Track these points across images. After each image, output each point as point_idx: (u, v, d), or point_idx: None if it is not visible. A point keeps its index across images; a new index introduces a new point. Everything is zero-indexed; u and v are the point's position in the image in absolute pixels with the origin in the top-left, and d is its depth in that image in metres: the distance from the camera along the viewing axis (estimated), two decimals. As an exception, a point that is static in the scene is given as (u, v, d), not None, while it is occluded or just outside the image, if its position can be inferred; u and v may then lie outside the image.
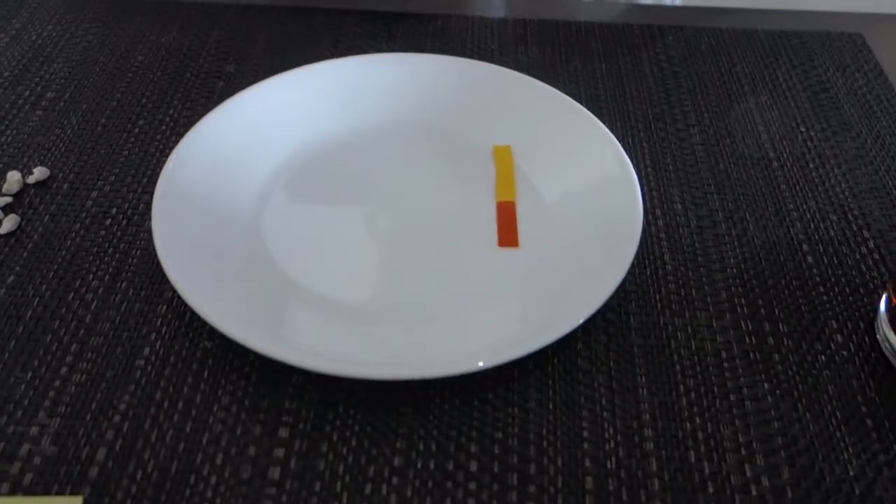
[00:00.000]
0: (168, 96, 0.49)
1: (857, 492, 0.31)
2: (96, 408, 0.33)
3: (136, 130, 0.47)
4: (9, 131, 0.46)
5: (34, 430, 0.32)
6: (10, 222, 0.40)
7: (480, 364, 0.33)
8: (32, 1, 0.57)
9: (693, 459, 0.32)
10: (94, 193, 0.43)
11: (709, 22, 0.58)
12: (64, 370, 0.35)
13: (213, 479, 0.31)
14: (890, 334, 0.36)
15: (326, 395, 0.34)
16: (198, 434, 0.33)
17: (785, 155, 0.47)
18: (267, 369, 0.35)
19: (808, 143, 0.48)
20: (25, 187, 0.43)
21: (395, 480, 0.31)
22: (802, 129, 0.49)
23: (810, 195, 0.44)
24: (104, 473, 0.31)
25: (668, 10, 0.60)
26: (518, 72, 0.48)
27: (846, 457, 0.33)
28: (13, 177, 0.42)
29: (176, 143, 0.45)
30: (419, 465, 0.32)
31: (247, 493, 0.31)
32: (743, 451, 0.33)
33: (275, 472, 0.31)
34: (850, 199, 0.44)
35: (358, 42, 0.54)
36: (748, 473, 0.32)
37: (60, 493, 0.30)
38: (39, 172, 0.43)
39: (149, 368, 0.35)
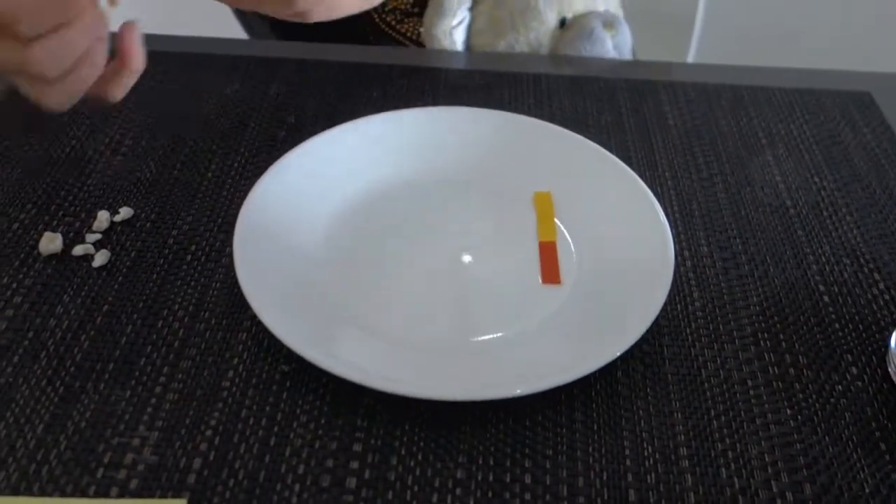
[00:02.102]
0: (235, 143, 0.54)
1: (872, 507, 0.35)
2: (189, 423, 0.37)
3: (209, 175, 0.51)
4: (94, 174, 0.51)
5: (136, 441, 0.36)
6: (102, 257, 0.45)
7: (518, 391, 0.37)
8: (106, 55, 0.62)
9: (724, 476, 0.36)
10: (175, 232, 0.47)
11: (728, 79, 0.62)
12: (158, 389, 0.39)
13: (297, 487, 0.35)
14: (900, 367, 0.40)
15: (395, 415, 0.38)
16: (281, 447, 0.36)
17: (801, 203, 0.51)
18: (340, 391, 0.39)
19: (822, 192, 0.52)
20: (113, 225, 0.47)
21: (458, 491, 0.35)
22: (816, 179, 0.53)
23: (825, 240, 0.48)
24: (201, 480, 0.35)
25: (690, 68, 0.64)
26: (554, 124, 0.53)
27: (863, 476, 0.36)
28: (102, 215, 0.47)
29: (245, 187, 0.50)
30: (479, 478, 0.36)
31: (327, 499, 0.35)
32: (769, 470, 0.36)
33: (351, 482, 0.35)
34: (861, 245, 0.48)
35: (405, 94, 0.59)
36: (774, 489, 0.36)
37: (164, 497, 0.34)
38: (125, 212, 0.48)
39: (234, 389, 0.39)
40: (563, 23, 0.66)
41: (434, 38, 0.66)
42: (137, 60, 0.40)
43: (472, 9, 0.67)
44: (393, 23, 0.72)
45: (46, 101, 0.38)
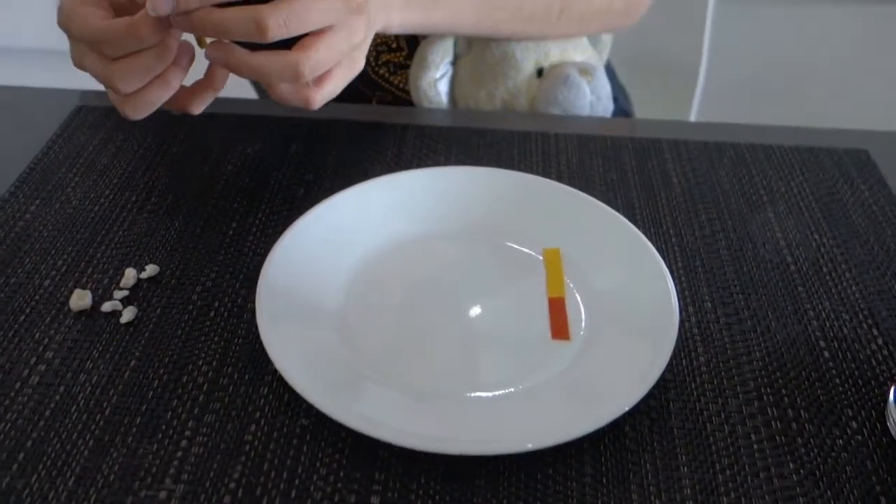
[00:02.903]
0: (256, 201, 0.56)
1: (874, 560, 0.36)
2: (214, 476, 0.39)
3: (231, 232, 0.53)
4: (121, 231, 0.53)
5: (163, 494, 0.38)
6: (129, 313, 0.47)
7: (529, 446, 0.39)
8: (132, 115, 0.65)
9: (730, 529, 0.37)
10: (199, 288, 0.49)
11: (730, 137, 0.65)
12: (184, 443, 0.40)
13: (318, 540, 0.36)
14: (899, 422, 0.41)
15: (411, 468, 0.39)
16: (301, 500, 0.38)
17: (801, 260, 0.53)
18: (358, 445, 0.40)
19: (822, 249, 0.54)
20: (140, 282, 0.49)
21: (472, 543, 0.36)
22: (816, 236, 0.55)
23: (825, 296, 0.50)
24: (225, 533, 0.36)
25: (693, 126, 0.67)
26: (561, 183, 0.55)
27: (863, 529, 0.37)
28: (130, 273, 0.49)
29: (266, 244, 0.52)
30: (493, 531, 0.37)
31: (346, 551, 0.36)
32: (773, 523, 0.38)
33: (369, 534, 0.37)
34: (860, 301, 0.50)
35: (419, 153, 0.62)
36: (778, 543, 0.37)
37: (190, 548, 0.36)
38: (151, 269, 0.50)
39: (256, 443, 0.40)
40: (540, 72, 0.69)
41: (420, 89, 0.70)
42: (219, 81, 0.48)
43: (454, 62, 0.71)
44: (386, 75, 0.75)
45: (123, 110, 0.47)
